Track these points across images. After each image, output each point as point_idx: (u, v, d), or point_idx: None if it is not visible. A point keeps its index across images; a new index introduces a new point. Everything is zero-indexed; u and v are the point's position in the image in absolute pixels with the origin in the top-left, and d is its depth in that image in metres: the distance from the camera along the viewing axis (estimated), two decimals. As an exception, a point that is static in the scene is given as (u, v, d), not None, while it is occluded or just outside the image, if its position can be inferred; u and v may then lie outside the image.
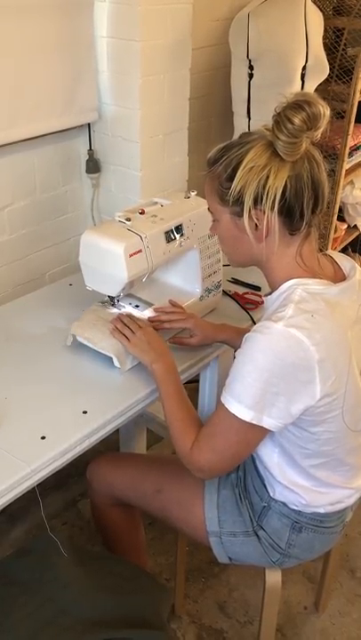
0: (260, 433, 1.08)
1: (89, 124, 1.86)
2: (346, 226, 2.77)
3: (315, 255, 1.12)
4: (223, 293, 1.65)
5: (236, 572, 1.83)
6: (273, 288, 1.13)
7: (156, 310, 1.45)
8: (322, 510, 1.22)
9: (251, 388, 1.02)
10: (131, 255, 1.30)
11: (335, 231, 2.58)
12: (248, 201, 1.03)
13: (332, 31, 2.26)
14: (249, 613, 1.74)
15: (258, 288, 1.72)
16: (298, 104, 0.97)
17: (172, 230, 1.40)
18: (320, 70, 2.07)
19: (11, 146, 1.65)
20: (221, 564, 1.40)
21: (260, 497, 1.25)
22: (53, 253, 1.95)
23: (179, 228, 1.42)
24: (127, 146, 1.82)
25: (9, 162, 1.69)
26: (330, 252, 1.19)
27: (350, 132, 2.28)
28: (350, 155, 2.40)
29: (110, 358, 1.34)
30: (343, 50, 2.24)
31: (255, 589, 1.78)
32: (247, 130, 1.95)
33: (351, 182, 2.63)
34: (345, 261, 1.17)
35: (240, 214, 1.06)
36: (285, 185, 1.01)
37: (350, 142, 2.33)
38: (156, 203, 1.47)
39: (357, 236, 2.90)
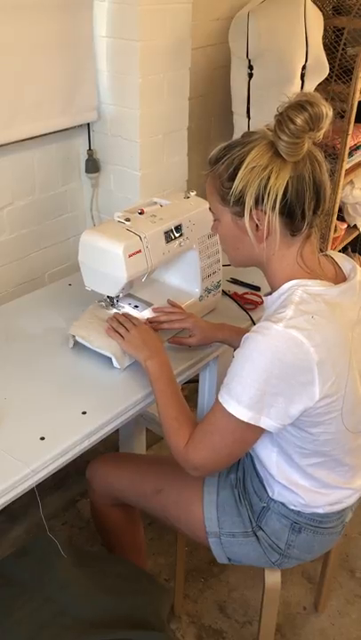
0: (256, 433, 1.08)
1: (88, 124, 1.86)
2: (346, 225, 2.77)
3: (316, 256, 1.11)
4: (223, 293, 1.65)
5: (235, 572, 1.83)
6: (273, 288, 1.12)
7: (155, 310, 1.45)
8: (321, 511, 1.21)
9: (249, 389, 1.02)
10: (130, 255, 1.29)
11: (335, 231, 2.58)
12: (249, 201, 1.03)
13: (332, 31, 2.25)
14: (248, 614, 1.73)
15: (257, 288, 1.71)
16: (300, 104, 0.97)
17: (171, 230, 1.40)
18: (320, 70, 2.07)
19: (10, 145, 1.65)
20: (221, 565, 1.40)
21: (260, 497, 1.24)
22: (53, 253, 1.94)
23: (178, 228, 1.42)
24: (127, 145, 1.82)
25: (8, 161, 1.69)
26: (330, 252, 1.19)
27: (350, 132, 2.27)
28: (350, 154, 2.40)
29: (110, 358, 1.34)
30: (343, 49, 2.24)
31: (255, 590, 1.78)
32: (247, 129, 1.95)
33: (351, 182, 2.63)
34: (345, 262, 1.17)
35: (241, 214, 1.06)
36: (287, 185, 1.01)
37: (350, 142, 2.33)
38: (156, 203, 1.47)
39: (357, 236, 2.90)
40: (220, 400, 1.06)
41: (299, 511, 1.21)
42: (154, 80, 1.75)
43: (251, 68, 2.02)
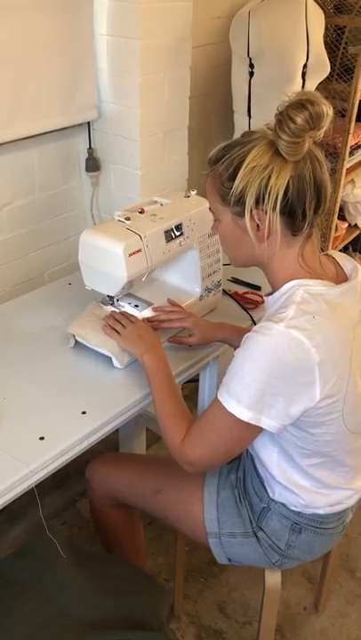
0: (254, 432, 1.08)
1: (89, 123, 1.85)
2: (346, 225, 2.77)
3: (317, 256, 1.11)
4: (223, 293, 1.64)
5: (235, 572, 1.83)
6: (274, 288, 1.12)
7: (154, 309, 1.45)
8: (322, 511, 1.21)
9: (249, 389, 1.01)
10: (130, 255, 1.29)
11: (336, 230, 2.58)
12: (250, 201, 1.02)
13: (333, 29, 2.25)
14: (248, 614, 1.73)
15: (258, 287, 1.71)
16: (301, 103, 0.96)
17: (171, 229, 1.39)
18: (321, 68, 2.06)
19: (10, 144, 1.64)
20: (221, 565, 1.40)
21: (260, 498, 1.24)
22: (53, 252, 1.94)
23: (178, 228, 1.41)
24: (127, 144, 1.82)
25: (8, 160, 1.68)
26: (331, 252, 1.18)
27: (351, 131, 2.27)
28: (351, 153, 2.40)
29: (110, 358, 1.34)
30: (344, 48, 2.23)
31: (255, 590, 1.78)
32: (248, 128, 1.94)
33: (352, 181, 2.63)
34: (347, 262, 1.16)
35: (242, 214, 1.05)
36: (288, 185, 1.00)
37: (351, 141, 2.33)
38: (156, 202, 1.46)
39: (358, 235, 2.90)
40: (220, 399, 1.06)
41: (299, 512, 1.21)
42: (154, 79, 1.74)
43: (252, 66, 2.01)
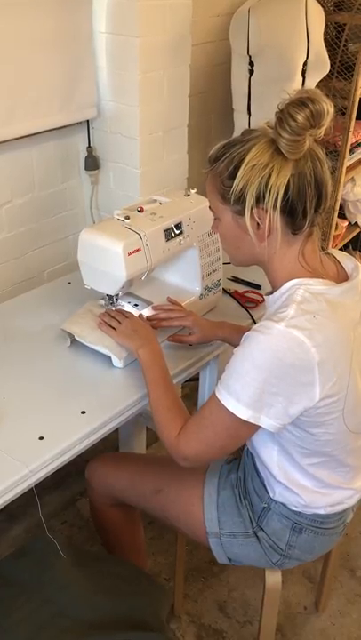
0: (251, 429, 1.07)
1: (88, 121, 1.84)
2: (347, 223, 2.77)
3: (317, 255, 1.10)
4: (223, 292, 1.64)
5: (235, 571, 1.83)
6: (275, 287, 1.11)
7: (154, 308, 1.44)
8: (322, 511, 1.21)
9: (249, 387, 1.01)
10: (130, 254, 1.29)
11: (336, 228, 2.58)
12: (250, 200, 1.02)
13: (333, 27, 2.24)
14: (248, 613, 1.73)
15: (258, 286, 1.71)
16: (301, 101, 0.96)
17: (171, 228, 1.39)
18: (321, 66, 2.06)
19: (9, 143, 1.64)
20: (221, 564, 1.39)
21: (260, 498, 1.24)
22: (52, 251, 1.94)
23: (178, 226, 1.41)
24: (126, 143, 1.81)
25: (7, 159, 1.68)
26: (332, 250, 1.18)
27: (351, 129, 2.27)
28: (351, 152, 2.39)
29: (109, 358, 1.34)
30: (344, 46, 2.23)
31: (255, 589, 1.77)
32: (248, 126, 1.93)
33: (352, 179, 2.63)
34: (347, 261, 1.16)
35: (242, 213, 1.05)
36: (288, 183, 1.00)
37: (351, 139, 2.32)
38: (156, 200, 1.46)
39: (358, 234, 2.89)
40: (219, 396, 1.05)
41: (300, 512, 1.21)
42: (154, 77, 1.74)
43: (251, 64, 2.00)
